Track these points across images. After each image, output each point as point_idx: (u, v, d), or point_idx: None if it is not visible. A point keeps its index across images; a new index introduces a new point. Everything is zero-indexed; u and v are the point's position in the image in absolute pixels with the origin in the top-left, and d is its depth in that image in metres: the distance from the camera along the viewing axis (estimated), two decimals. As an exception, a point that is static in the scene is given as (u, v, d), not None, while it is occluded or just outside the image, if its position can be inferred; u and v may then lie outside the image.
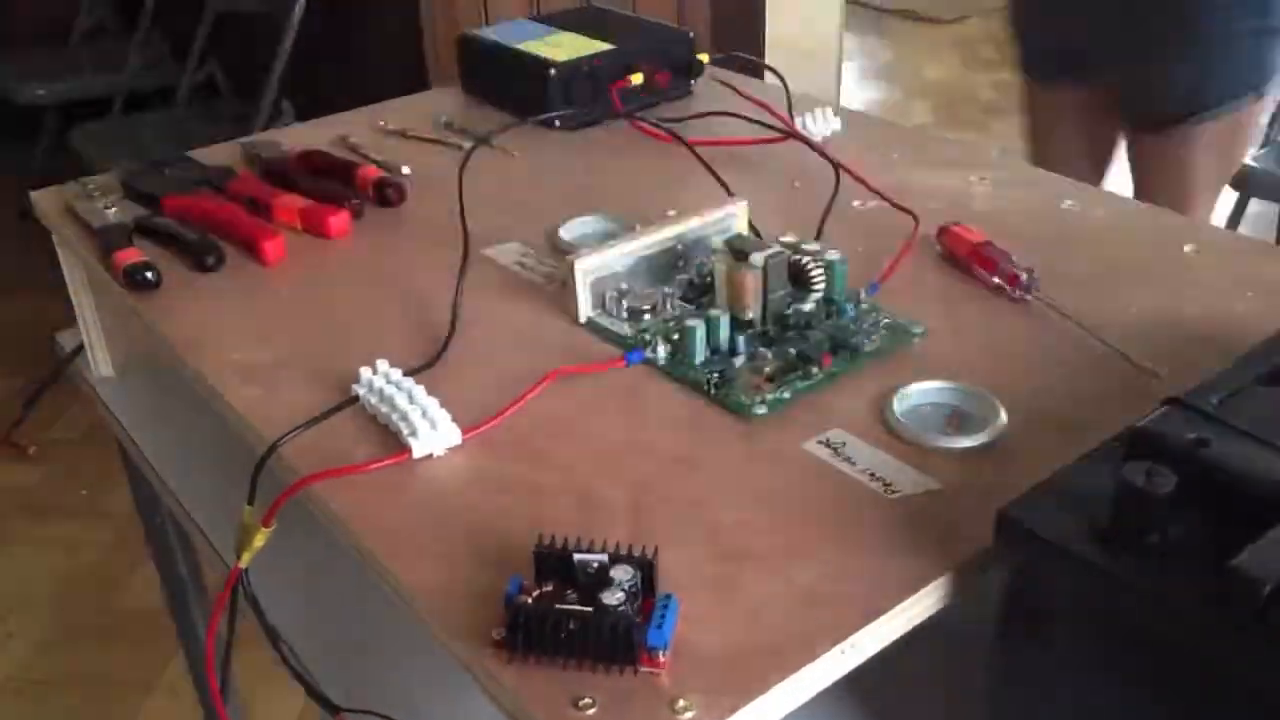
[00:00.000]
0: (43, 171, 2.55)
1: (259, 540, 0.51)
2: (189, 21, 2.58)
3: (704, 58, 0.96)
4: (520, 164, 0.85)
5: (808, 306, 0.61)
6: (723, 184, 0.75)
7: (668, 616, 0.41)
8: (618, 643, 0.40)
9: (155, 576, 1.08)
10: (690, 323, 0.59)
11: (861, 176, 0.76)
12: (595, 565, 0.42)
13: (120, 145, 2.29)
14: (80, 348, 0.85)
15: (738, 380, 0.57)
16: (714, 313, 0.59)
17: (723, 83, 0.93)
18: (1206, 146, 1.41)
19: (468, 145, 0.79)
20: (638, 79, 0.92)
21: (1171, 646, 0.38)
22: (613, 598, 0.41)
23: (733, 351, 0.59)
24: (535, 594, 0.42)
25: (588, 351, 0.61)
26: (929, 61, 3.71)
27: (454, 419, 0.53)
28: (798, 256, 0.61)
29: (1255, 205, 2.07)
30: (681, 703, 0.39)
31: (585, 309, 0.64)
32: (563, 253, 0.70)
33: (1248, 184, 1.96)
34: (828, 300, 0.62)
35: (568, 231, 0.73)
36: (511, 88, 0.95)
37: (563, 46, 0.94)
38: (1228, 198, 2.02)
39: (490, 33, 0.99)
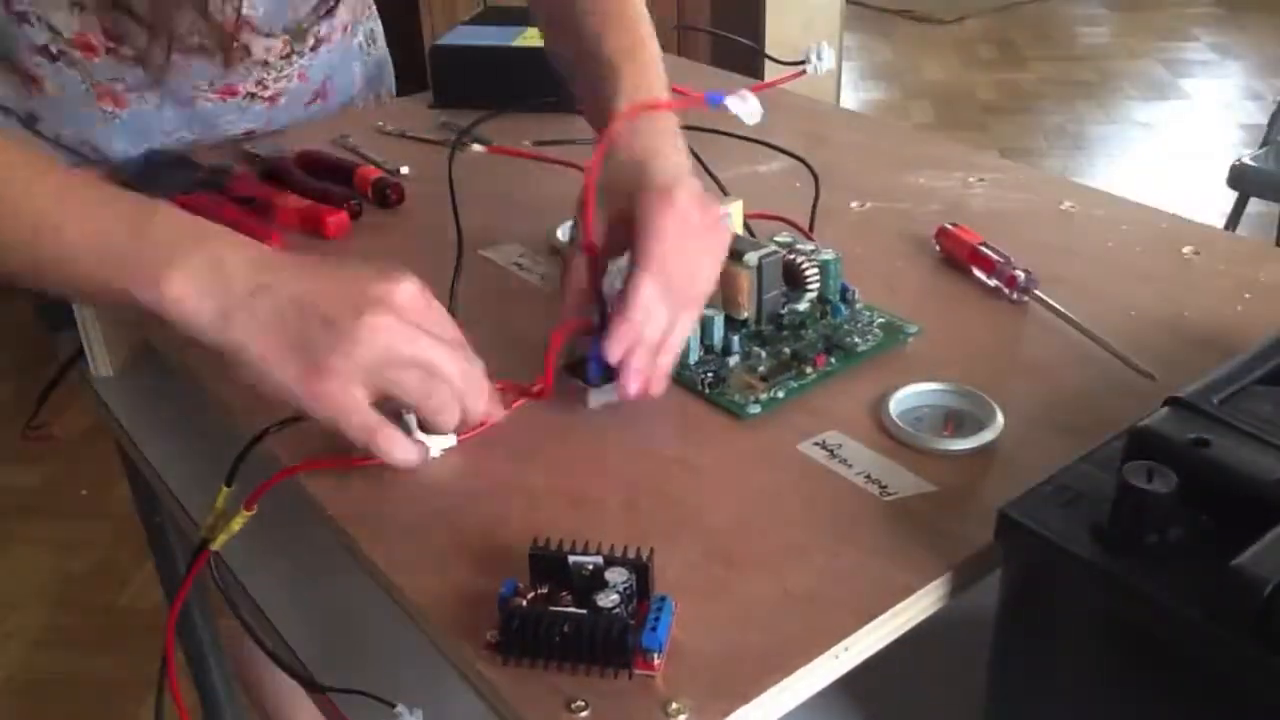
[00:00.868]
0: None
1: (236, 524, 0.51)
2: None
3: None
4: (518, 164, 0.85)
5: (802, 306, 0.61)
6: (718, 183, 0.75)
7: (662, 619, 0.41)
8: (612, 646, 0.40)
9: (155, 576, 1.08)
10: (686, 323, 0.59)
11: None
12: (590, 567, 0.42)
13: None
14: (80, 349, 0.85)
15: (731, 380, 0.57)
16: (708, 312, 0.59)
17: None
18: None
19: (473, 148, 0.80)
20: None
21: (1171, 646, 0.38)
22: (607, 600, 0.41)
23: (726, 351, 0.59)
24: (530, 596, 0.42)
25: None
26: (929, 61, 3.71)
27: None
28: (792, 256, 0.61)
29: (1255, 205, 2.07)
30: (675, 705, 0.39)
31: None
32: (560, 253, 0.70)
33: (1247, 183, 1.96)
34: (822, 300, 0.62)
35: (565, 232, 0.73)
36: (513, 86, 0.94)
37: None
38: (1228, 197, 2.02)
39: (463, 38, 0.99)
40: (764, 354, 0.59)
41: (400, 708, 0.48)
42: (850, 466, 0.51)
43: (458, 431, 0.53)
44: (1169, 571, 0.38)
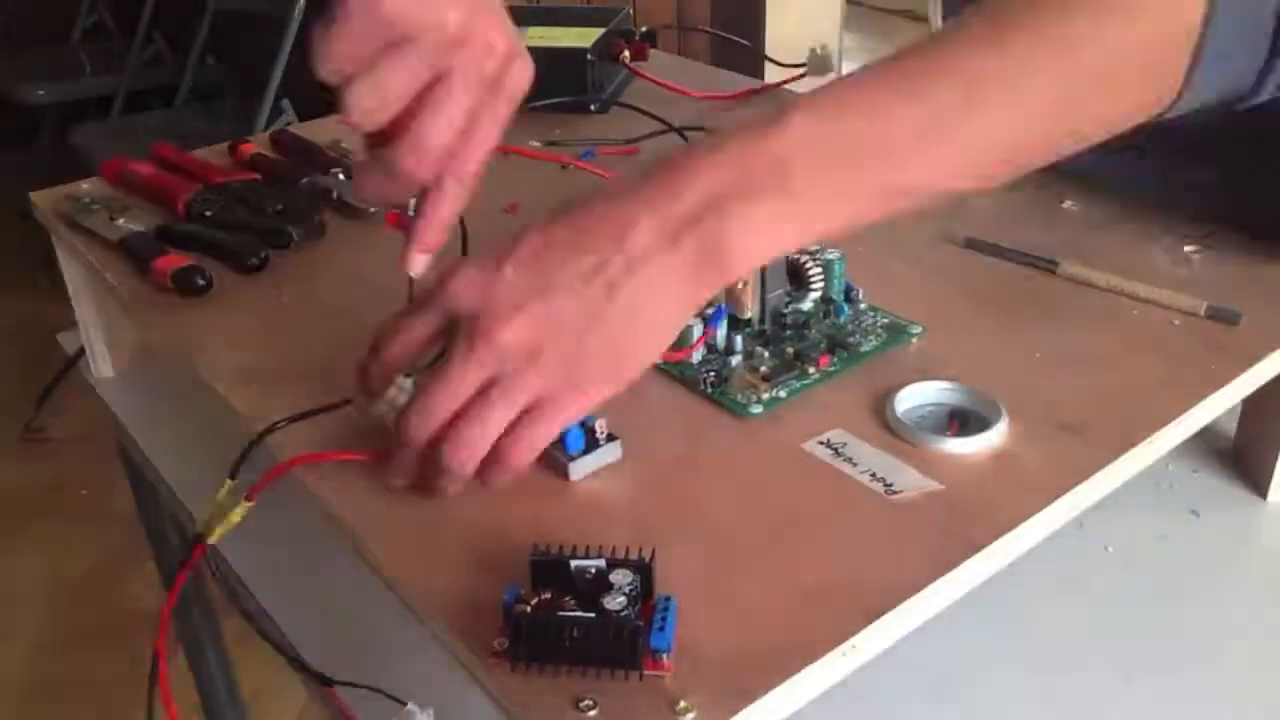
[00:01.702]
0: (43, 171, 2.55)
1: (236, 515, 0.51)
2: (189, 21, 2.58)
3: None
4: (522, 165, 0.85)
5: (806, 305, 0.61)
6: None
7: (668, 618, 0.41)
8: (622, 647, 0.40)
9: (155, 576, 1.08)
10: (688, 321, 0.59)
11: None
12: (593, 571, 0.42)
13: (120, 145, 2.29)
14: (81, 349, 0.85)
15: (734, 379, 0.57)
16: (711, 311, 0.59)
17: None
18: None
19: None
20: (626, 56, 0.93)
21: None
22: (614, 603, 0.41)
23: (729, 350, 0.59)
24: (534, 602, 0.41)
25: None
26: (929, 61, 3.71)
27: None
28: (796, 255, 0.61)
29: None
30: (683, 704, 0.39)
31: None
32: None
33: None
34: (826, 299, 0.62)
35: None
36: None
37: (562, 37, 0.93)
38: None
39: None
40: (767, 353, 0.59)
41: (411, 705, 0.48)
42: (855, 465, 0.51)
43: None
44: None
